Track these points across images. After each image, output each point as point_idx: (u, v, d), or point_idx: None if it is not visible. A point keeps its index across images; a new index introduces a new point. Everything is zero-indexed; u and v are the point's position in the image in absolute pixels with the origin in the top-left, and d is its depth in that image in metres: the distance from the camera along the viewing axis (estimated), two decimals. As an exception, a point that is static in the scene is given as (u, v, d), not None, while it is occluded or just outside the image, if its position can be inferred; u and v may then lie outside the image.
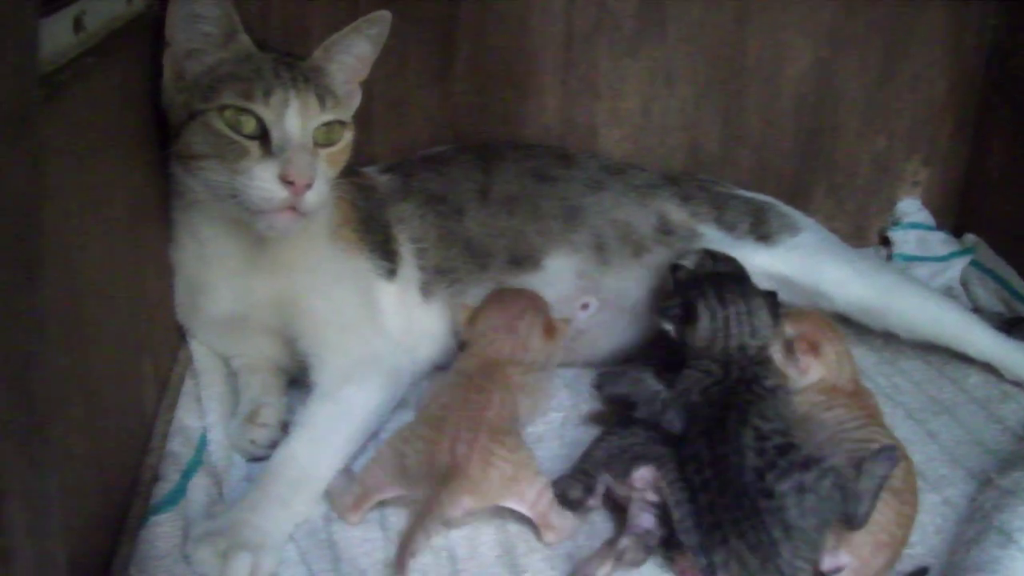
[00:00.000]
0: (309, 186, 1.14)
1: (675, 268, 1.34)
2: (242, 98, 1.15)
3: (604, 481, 1.14)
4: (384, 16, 1.26)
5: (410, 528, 1.05)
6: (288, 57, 1.23)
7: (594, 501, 1.14)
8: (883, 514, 1.09)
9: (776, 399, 1.19)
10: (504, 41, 1.69)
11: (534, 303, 1.38)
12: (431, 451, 1.13)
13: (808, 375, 1.26)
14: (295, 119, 1.16)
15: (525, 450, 1.17)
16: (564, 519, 1.12)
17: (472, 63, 1.69)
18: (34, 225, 0.63)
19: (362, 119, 1.32)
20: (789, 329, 1.27)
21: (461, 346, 1.35)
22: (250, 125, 1.15)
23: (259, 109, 1.15)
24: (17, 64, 0.60)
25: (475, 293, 1.41)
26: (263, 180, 1.13)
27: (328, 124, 1.21)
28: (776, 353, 1.26)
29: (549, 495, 1.13)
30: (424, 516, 1.05)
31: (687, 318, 1.25)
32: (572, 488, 1.14)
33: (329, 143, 1.22)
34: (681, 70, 1.76)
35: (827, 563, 1.07)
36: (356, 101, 1.31)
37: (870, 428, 1.20)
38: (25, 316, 0.61)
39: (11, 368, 0.59)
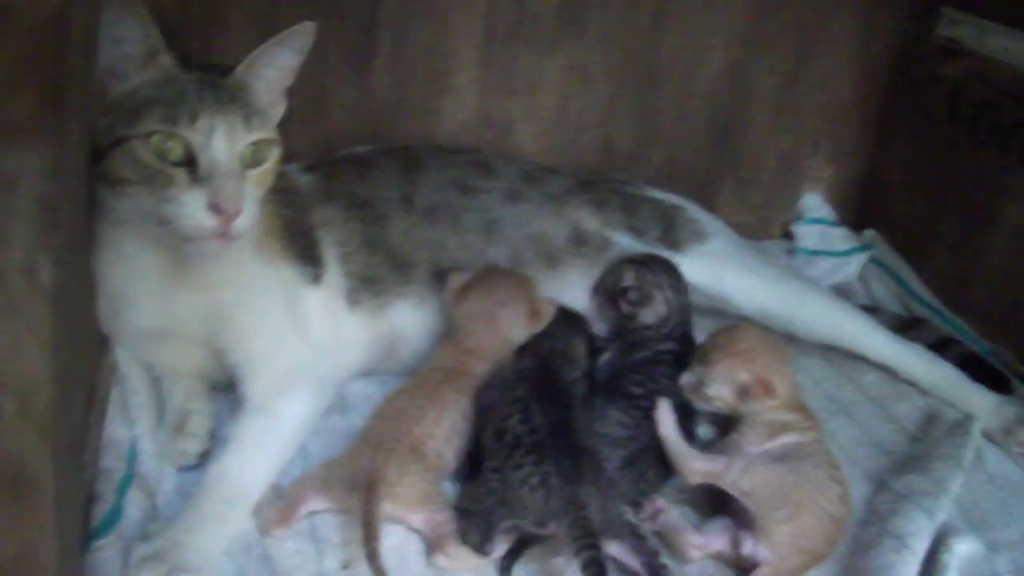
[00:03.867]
0: (237, 210, 1.12)
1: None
2: (168, 123, 1.11)
3: (507, 527, 1.13)
4: (308, 28, 1.22)
5: (364, 532, 1.07)
6: (211, 74, 1.19)
7: (491, 547, 1.11)
8: (814, 527, 1.14)
9: None
10: (425, 37, 1.69)
11: (520, 288, 1.38)
12: (355, 460, 1.15)
13: (760, 408, 1.26)
14: (222, 143, 1.13)
15: (438, 479, 1.18)
16: (462, 553, 1.11)
17: (392, 58, 1.69)
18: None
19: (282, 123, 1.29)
20: (743, 373, 1.26)
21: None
22: (176, 151, 1.11)
23: (185, 133, 1.11)
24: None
25: (399, 306, 1.41)
26: (192, 209, 1.10)
27: (255, 143, 1.17)
28: (723, 391, 1.27)
29: (451, 527, 1.13)
30: (366, 519, 1.07)
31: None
32: (470, 533, 1.11)
33: (257, 163, 1.18)
34: (598, 69, 1.78)
35: (747, 548, 1.13)
36: (281, 109, 1.28)
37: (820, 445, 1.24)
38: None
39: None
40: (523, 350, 1.34)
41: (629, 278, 1.43)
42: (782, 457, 1.20)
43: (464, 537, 1.10)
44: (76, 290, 0.66)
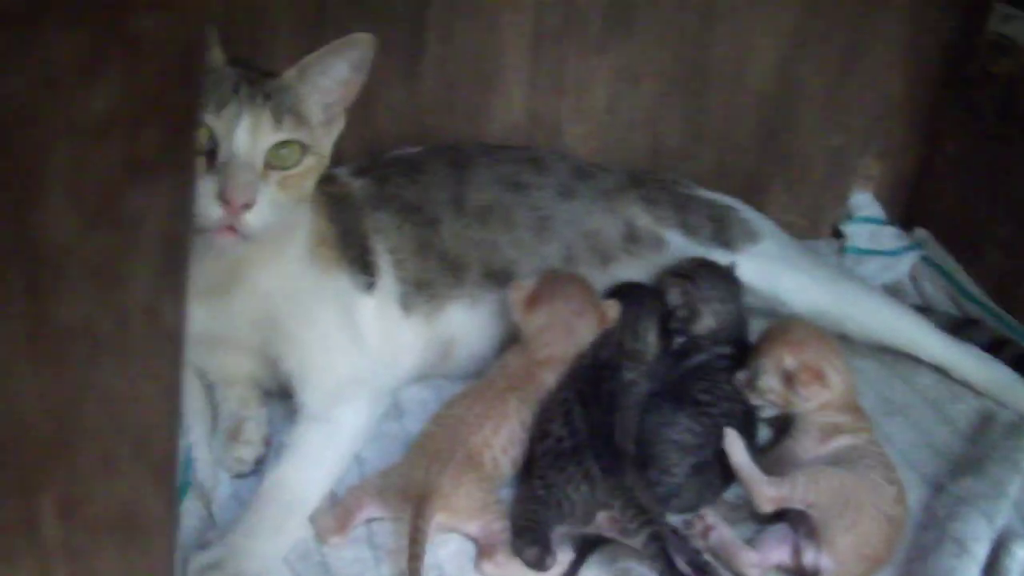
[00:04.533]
0: (248, 207, 1.11)
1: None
2: None
3: (560, 535, 1.12)
4: (364, 40, 1.20)
5: (410, 550, 1.07)
6: (257, 74, 1.19)
7: (547, 560, 1.08)
8: (875, 532, 1.13)
9: None
10: (473, 37, 1.69)
11: (589, 294, 1.37)
12: (411, 468, 1.15)
13: (812, 402, 1.24)
14: (244, 135, 1.12)
15: (494, 488, 1.17)
16: (512, 564, 1.10)
17: (440, 59, 1.69)
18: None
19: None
20: (789, 359, 1.25)
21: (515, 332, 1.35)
22: (203, 138, 1.11)
23: (211, 121, 1.11)
24: None
25: (452, 309, 1.41)
26: (200, 195, 1.09)
27: (284, 145, 1.16)
28: (772, 382, 1.26)
29: (505, 537, 1.11)
30: (412, 536, 1.07)
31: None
32: (523, 546, 1.09)
33: (282, 166, 1.17)
34: (647, 68, 1.78)
35: (808, 559, 1.12)
36: (337, 127, 1.26)
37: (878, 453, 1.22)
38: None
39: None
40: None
41: (675, 296, 1.40)
42: (837, 460, 1.19)
43: (517, 551, 1.09)
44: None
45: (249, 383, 1.35)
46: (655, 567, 1.07)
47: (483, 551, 1.12)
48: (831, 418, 1.24)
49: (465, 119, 1.73)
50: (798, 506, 1.15)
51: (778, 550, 1.16)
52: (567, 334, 1.32)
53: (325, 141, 1.25)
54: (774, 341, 1.28)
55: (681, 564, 1.06)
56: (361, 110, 1.56)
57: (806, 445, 1.23)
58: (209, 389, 1.34)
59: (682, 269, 1.43)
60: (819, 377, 1.23)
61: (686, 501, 1.20)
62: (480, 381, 1.31)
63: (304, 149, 1.19)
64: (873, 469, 1.18)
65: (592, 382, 1.25)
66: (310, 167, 1.21)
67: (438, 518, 1.10)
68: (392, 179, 1.45)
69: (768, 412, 1.30)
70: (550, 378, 1.28)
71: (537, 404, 1.24)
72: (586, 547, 1.13)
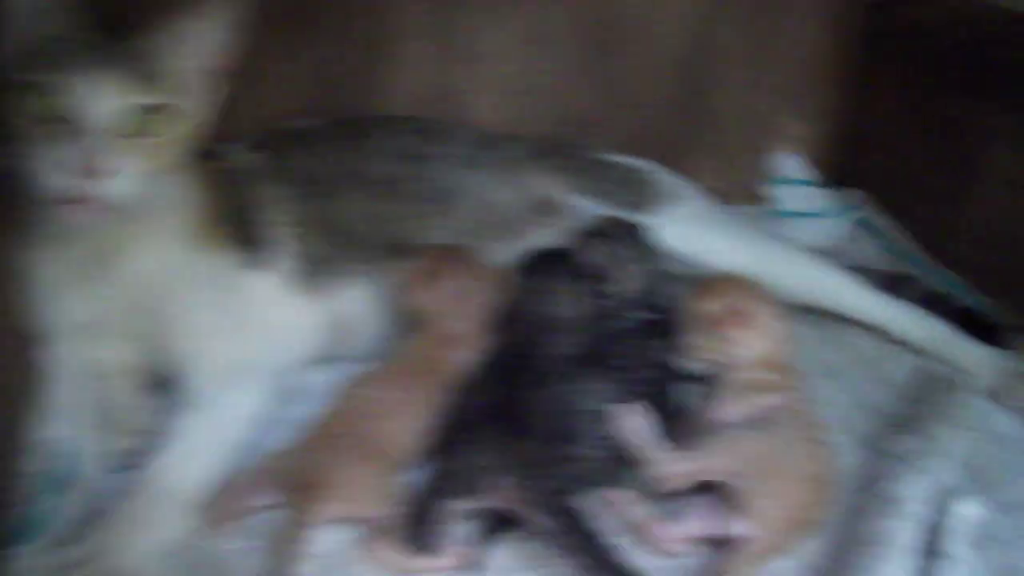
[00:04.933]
0: (106, 177, 1.05)
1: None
2: (46, 73, 1.05)
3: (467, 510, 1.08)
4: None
5: (284, 539, 1.02)
6: (117, 37, 1.13)
7: (447, 543, 1.05)
8: (800, 496, 1.09)
9: None
10: (369, 6, 1.62)
11: (481, 264, 1.33)
12: (303, 456, 1.11)
13: (743, 351, 1.21)
14: (101, 100, 1.06)
15: (394, 475, 1.12)
16: (403, 550, 1.05)
17: (336, 32, 1.62)
18: None
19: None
20: (712, 304, 1.23)
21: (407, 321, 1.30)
22: (51, 103, 1.06)
23: (65, 85, 1.05)
24: None
25: (353, 285, 1.36)
26: (50, 165, 1.05)
27: (145, 109, 1.10)
28: (699, 335, 1.23)
29: (398, 523, 1.07)
30: (293, 526, 1.03)
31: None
32: (418, 533, 1.05)
33: (145, 132, 1.10)
34: (556, 33, 1.72)
35: (732, 528, 1.07)
36: (213, 94, 1.20)
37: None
38: None
39: None
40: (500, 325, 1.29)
41: (591, 256, 1.34)
42: (762, 421, 1.14)
43: (409, 536, 1.05)
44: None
45: (133, 373, 1.28)
46: (562, 544, 1.02)
47: (374, 538, 1.07)
48: (759, 375, 1.19)
49: (363, 90, 1.66)
50: (717, 477, 1.10)
51: (702, 521, 1.10)
52: (464, 309, 1.27)
53: (196, 108, 1.19)
54: (700, 290, 1.26)
55: (586, 541, 1.02)
56: (250, 84, 1.51)
57: (729, 406, 1.18)
58: (89, 379, 1.26)
59: (597, 228, 1.38)
60: (745, 321, 1.21)
61: (611, 474, 1.15)
62: (383, 364, 1.25)
63: (169, 115, 1.13)
64: (800, 430, 1.14)
65: (509, 356, 1.21)
66: (176, 135, 1.15)
67: (329, 509, 1.05)
68: (288, 152, 1.40)
69: (699, 370, 1.26)
70: (456, 356, 1.23)
71: (445, 385, 1.20)
72: (493, 528, 1.08)
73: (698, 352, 1.23)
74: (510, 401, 1.13)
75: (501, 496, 1.05)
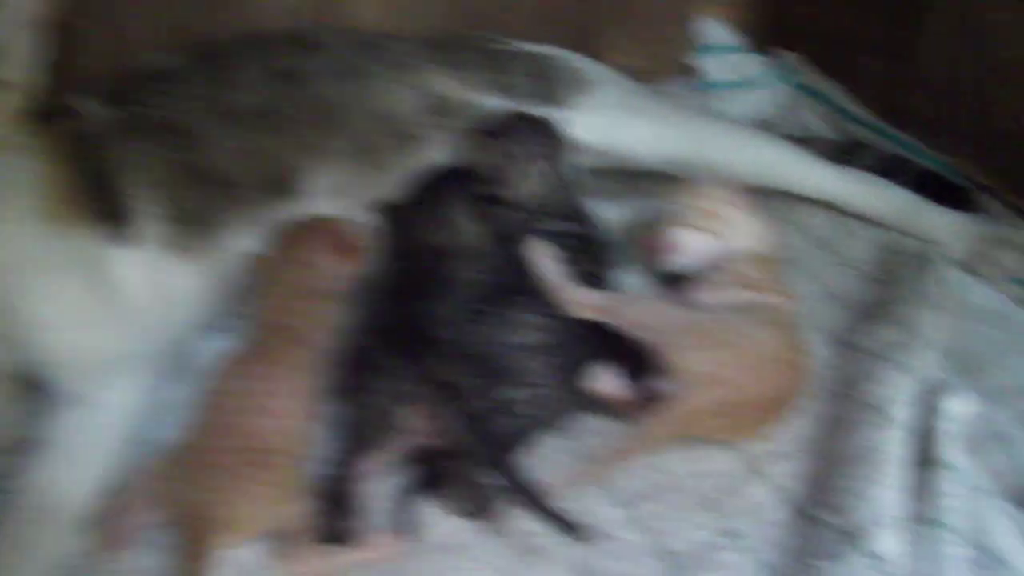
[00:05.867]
0: None
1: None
2: None
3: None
4: None
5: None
6: None
7: (365, 527, 0.97)
8: (734, 358, 1.04)
9: None
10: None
11: (314, 224, 1.22)
12: (175, 479, 0.99)
13: (734, 233, 1.17)
14: None
15: (294, 472, 1.01)
16: (320, 551, 0.96)
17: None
18: None
19: (69, 40, 1.11)
20: (702, 199, 1.19)
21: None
22: None
23: None
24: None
25: (231, 236, 1.23)
26: None
27: None
28: (685, 231, 1.18)
29: (308, 523, 0.97)
30: (190, 560, 0.93)
31: None
32: (332, 525, 0.96)
33: None
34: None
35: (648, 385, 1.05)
36: (29, 48, 1.08)
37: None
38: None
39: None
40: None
41: (486, 158, 1.24)
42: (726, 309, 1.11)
43: (322, 532, 0.96)
44: None
45: None
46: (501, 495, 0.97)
47: (286, 549, 0.97)
48: (745, 269, 1.15)
49: (226, 9, 1.49)
50: (622, 323, 1.08)
51: (614, 382, 1.07)
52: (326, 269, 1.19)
53: (20, 75, 1.08)
54: (680, 189, 1.23)
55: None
56: (107, 26, 1.42)
57: (706, 286, 1.15)
58: None
59: (491, 126, 1.27)
60: (736, 211, 1.18)
61: (562, 411, 1.07)
62: (245, 345, 1.13)
63: None
64: (761, 323, 1.08)
65: (405, 282, 1.14)
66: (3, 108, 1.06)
67: (227, 541, 0.95)
68: (141, 100, 1.26)
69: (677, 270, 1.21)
70: (324, 310, 1.14)
71: (314, 343, 1.11)
72: (421, 485, 1.01)
73: (688, 251, 1.18)
74: (410, 319, 1.06)
75: (423, 429, 1.00)
